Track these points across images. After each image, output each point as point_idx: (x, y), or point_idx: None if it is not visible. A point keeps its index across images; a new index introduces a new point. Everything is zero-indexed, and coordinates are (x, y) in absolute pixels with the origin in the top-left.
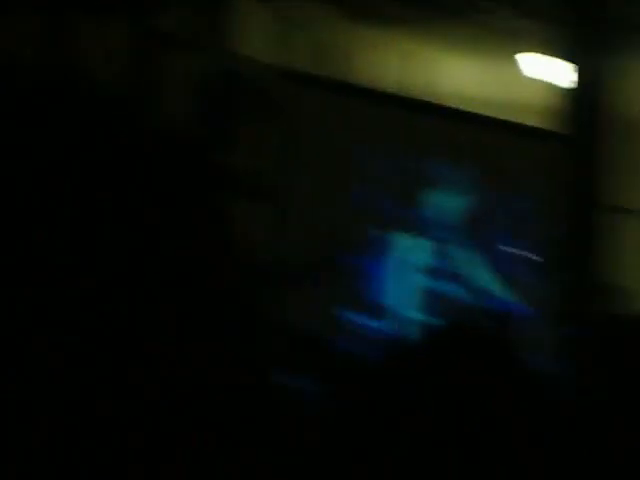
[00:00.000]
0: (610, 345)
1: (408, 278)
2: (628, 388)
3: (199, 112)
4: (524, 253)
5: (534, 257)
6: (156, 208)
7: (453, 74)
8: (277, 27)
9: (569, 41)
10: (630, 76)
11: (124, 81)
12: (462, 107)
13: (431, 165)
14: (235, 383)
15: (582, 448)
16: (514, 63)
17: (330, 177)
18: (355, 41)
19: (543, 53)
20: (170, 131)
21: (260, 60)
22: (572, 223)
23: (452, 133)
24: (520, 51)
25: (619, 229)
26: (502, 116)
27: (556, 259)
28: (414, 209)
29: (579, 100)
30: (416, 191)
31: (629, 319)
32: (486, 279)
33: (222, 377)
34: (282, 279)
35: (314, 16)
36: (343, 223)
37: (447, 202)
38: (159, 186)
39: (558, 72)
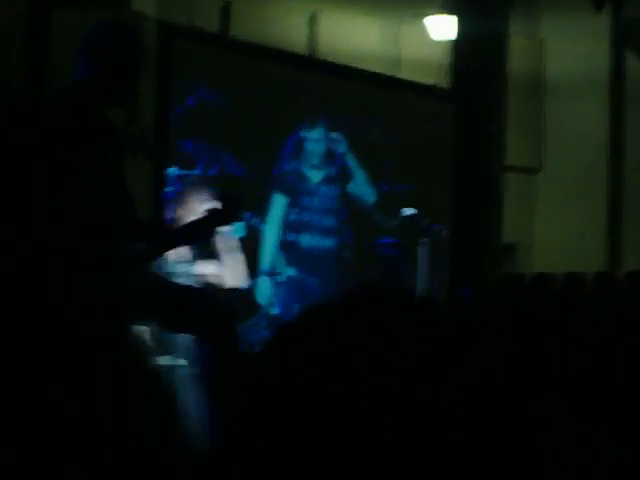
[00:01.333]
0: (505, 306)
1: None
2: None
3: (95, 67)
4: (416, 214)
5: (425, 219)
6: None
7: (359, 35)
8: None
9: (470, 2)
10: (529, 38)
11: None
12: (365, 65)
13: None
14: None
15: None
16: (418, 24)
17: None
18: (262, 2)
19: (446, 14)
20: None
21: (153, 16)
22: (471, 182)
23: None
24: (423, 13)
25: (522, 189)
26: (405, 75)
27: (453, 220)
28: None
29: (478, 60)
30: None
31: (527, 279)
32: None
33: None
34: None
35: None
36: None
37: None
38: (52, 139)
39: (460, 33)
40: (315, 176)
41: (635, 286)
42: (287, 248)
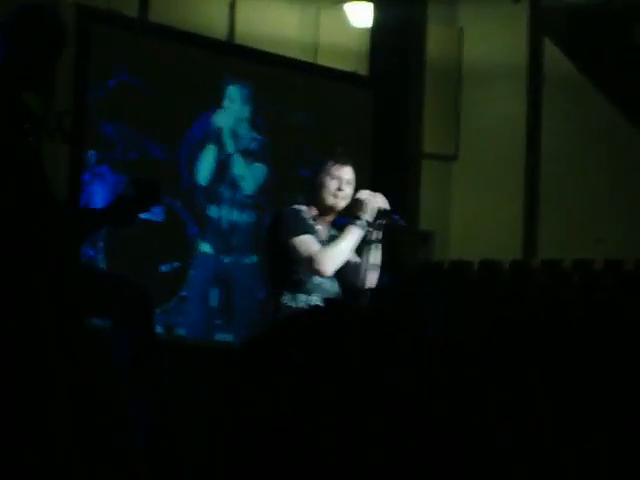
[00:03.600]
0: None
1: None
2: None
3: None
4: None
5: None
6: None
7: (278, 21)
8: None
9: None
10: (447, 26)
11: None
12: (284, 52)
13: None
14: None
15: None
16: (338, 11)
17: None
18: None
19: (365, 1)
20: None
21: None
22: (387, 169)
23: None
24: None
25: (439, 176)
26: (324, 62)
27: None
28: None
29: (394, 47)
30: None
31: (443, 266)
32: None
33: None
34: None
35: None
36: None
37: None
38: None
39: (377, 19)
40: (230, 145)
41: (550, 275)
42: (203, 222)
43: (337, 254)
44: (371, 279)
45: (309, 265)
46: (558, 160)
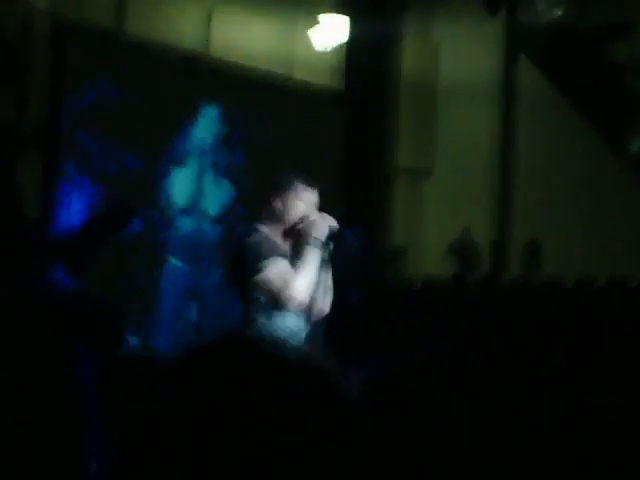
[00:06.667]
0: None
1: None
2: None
3: None
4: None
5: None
6: None
7: (253, 34)
8: None
9: (361, 4)
10: (421, 42)
11: None
12: (260, 66)
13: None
14: None
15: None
16: (313, 25)
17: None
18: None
19: (340, 15)
20: None
21: (45, 9)
22: (360, 184)
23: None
24: (318, 13)
25: (413, 191)
26: (300, 76)
27: (343, 221)
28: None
29: (369, 63)
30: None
31: (412, 285)
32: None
33: None
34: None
35: None
36: None
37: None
38: None
39: (352, 35)
40: (206, 162)
41: (520, 292)
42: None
43: (308, 282)
44: (327, 302)
45: (285, 296)
46: (532, 175)
